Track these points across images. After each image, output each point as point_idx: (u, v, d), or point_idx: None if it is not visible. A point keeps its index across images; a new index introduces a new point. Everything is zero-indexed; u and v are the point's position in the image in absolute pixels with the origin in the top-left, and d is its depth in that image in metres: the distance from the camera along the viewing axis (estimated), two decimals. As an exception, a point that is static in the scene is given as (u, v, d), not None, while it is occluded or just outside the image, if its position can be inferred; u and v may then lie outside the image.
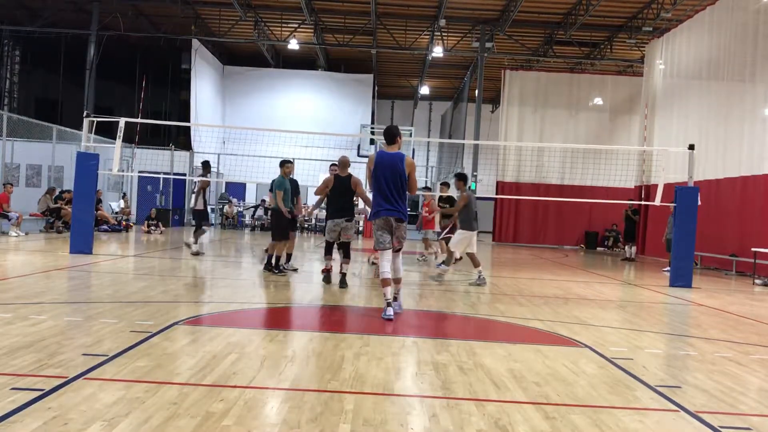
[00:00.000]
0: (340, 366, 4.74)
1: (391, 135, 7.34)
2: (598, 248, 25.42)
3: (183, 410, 3.56)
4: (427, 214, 14.77)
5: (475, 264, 10.97)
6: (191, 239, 13.56)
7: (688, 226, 11.99)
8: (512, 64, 27.75)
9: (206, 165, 14.17)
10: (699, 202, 12.28)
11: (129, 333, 5.42)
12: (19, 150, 19.29)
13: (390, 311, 6.91)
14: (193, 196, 13.79)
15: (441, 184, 14.82)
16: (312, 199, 24.95)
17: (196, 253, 13.39)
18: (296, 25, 25.35)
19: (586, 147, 24.15)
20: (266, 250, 11.13)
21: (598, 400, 4.25)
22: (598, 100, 26.04)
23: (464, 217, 10.83)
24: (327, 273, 9.90)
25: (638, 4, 21.18)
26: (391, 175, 7.06)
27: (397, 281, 7.22)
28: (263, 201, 27.60)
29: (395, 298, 7.23)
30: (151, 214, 21.37)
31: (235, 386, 4.11)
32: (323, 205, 10.70)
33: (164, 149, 25.69)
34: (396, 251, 7.16)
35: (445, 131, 35.18)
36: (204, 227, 13.89)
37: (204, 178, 13.63)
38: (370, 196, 7.96)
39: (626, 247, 19.92)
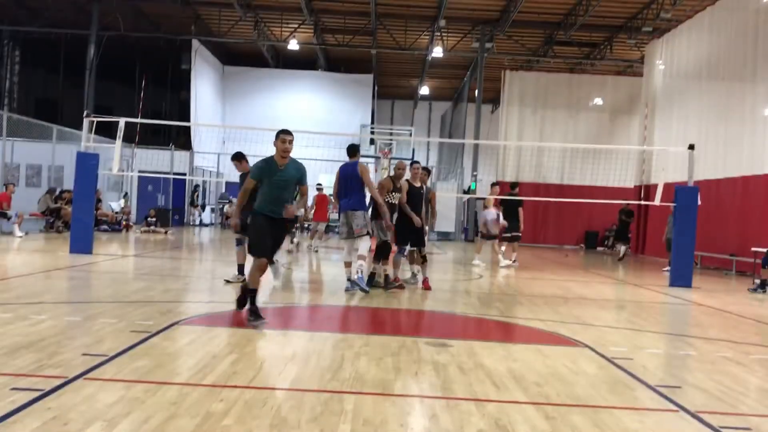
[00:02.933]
0: (340, 366, 4.74)
1: (353, 150, 9.02)
2: (598, 248, 25.42)
3: (183, 410, 3.56)
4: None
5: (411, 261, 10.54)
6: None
7: (688, 226, 11.99)
8: (512, 65, 27.74)
9: None
10: (699, 202, 12.29)
11: (129, 333, 5.41)
12: (19, 150, 19.28)
13: (348, 285, 8.78)
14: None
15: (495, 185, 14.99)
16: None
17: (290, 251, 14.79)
18: (296, 26, 25.34)
19: (586, 147, 24.15)
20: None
21: (598, 400, 4.25)
22: (598, 101, 26.03)
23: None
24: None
25: (638, 4, 21.18)
26: (346, 178, 8.82)
27: (361, 257, 8.69)
28: None
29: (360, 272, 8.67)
30: (150, 213, 21.39)
31: (235, 386, 4.11)
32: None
33: (164, 149, 25.67)
34: (356, 236, 8.71)
35: (445, 131, 35.17)
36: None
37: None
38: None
39: (623, 248, 19.90)
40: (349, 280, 8.82)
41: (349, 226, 8.69)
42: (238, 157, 9.29)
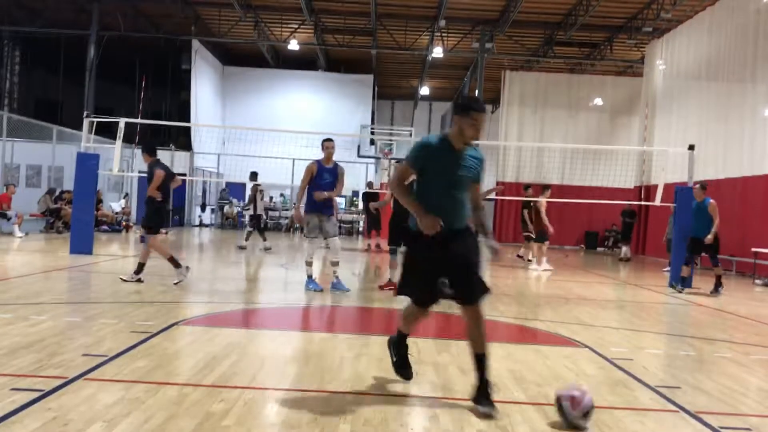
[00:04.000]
0: (340, 366, 4.74)
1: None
2: (598, 248, 25.42)
3: (183, 410, 3.56)
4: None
5: None
6: (265, 242, 15.49)
7: (688, 226, 11.98)
8: (512, 65, 27.72)
9: (254, 174, 16.22)
10: None
11: (129, 333, 5.41)
12: (19, 150, 19.28)
13: (311, 285, 8.71)
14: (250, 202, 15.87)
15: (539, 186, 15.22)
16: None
17: (244, 247, 15.29)
18: (296, 26, 25.33)
19: (586, 147, 24.14)
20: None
21: (598, 400, 4.24)
22: (598, 101, 26.02)
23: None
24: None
25: (638, 4, 21.16)
26: (325, 182, 8.60)
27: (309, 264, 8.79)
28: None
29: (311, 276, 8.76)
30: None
31: (235, 386, 4.11)
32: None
33: (164, 149, 25.64)
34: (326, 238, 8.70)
35: (445, 131, 35.19)
36: (251, 228, 15.78)
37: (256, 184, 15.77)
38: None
39: (624, 249, 19.94)
40: (310, 277, 8.84)
41: (317, 229, 8.64)
42: (152, 151, 8.84)
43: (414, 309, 4.21)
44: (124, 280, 8.54)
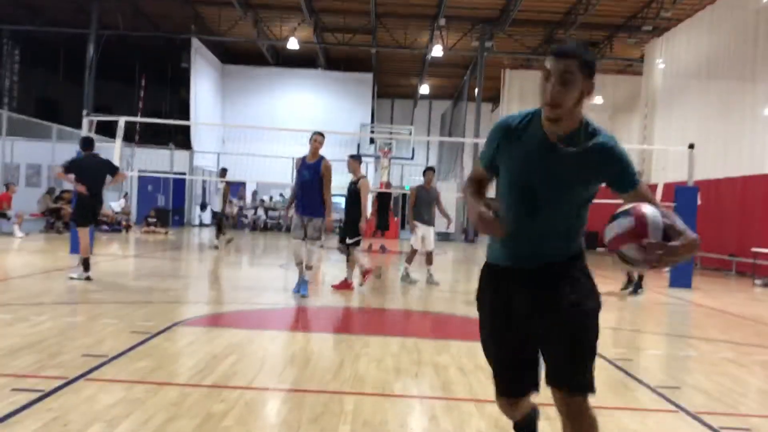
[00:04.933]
0: (340, 367, 4.74)
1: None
2: (598, 248, 25.42)
3: (183, 411, 3.57)
4: None
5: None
6: (218, 240, 15.37)
7: (688, 226, 11.98)
8: (512, 64, 27.71)
9: (224, 171, 16.05)
10: (699, 202, 12.26)
11: (129, 333, 5.42)
12: (19, 149, 19.27)
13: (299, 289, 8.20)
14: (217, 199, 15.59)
15: None
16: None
17: (216, 247, 15.30)
18: (296, 25, 25.32)
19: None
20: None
21: (598, 401, 4.22)
22: (598, 99, 26.02)
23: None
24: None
25: (638, 3, 21.17)
26: (302, 179, 8.10)
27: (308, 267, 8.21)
28: (262, 201, 27.57)
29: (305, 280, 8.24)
30: (150, 213, 21.40)
31: (235, 387, 4.11)
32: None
33: (164, 148, 25.64)
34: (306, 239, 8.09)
35: (445, 130, 35.14)
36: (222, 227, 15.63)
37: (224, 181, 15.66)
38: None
39: None
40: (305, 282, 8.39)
41: (302, 231, 8.10)
42: (82, 144, 8.91)
43: (509, 404, 2.77)
44: (72, 278, 8.42)
